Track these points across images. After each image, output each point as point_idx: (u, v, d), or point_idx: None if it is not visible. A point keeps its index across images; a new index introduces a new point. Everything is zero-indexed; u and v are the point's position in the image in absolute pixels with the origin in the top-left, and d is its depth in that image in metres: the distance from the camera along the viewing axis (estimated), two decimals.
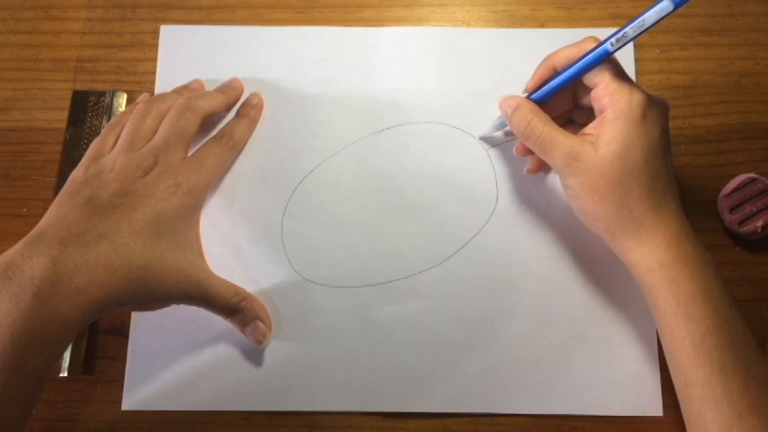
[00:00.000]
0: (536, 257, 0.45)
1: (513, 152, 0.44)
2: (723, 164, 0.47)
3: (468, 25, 0.50)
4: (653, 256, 0.37)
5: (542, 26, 0.50)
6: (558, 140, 0.38)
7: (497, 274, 0.45)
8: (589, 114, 0.40)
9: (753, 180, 0.45)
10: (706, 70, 0.49)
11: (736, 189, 0.45)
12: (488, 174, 0.47)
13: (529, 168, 0.45)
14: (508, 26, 0.50)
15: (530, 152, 0.43)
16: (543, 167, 0.45)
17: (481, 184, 0.46)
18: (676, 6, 0.35)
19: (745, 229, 0.44)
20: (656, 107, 0.38)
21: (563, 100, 0.42)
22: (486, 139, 0.47)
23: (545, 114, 0.40)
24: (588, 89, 0.39)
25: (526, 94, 0.41)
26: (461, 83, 0.48)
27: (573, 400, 0.43)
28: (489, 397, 0.43)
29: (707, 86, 0.49)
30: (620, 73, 0.38)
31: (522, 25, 0.50)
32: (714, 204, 0.46)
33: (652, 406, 0.42)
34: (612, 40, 0.37)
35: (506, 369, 0.43)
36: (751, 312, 0.44)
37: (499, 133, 0.46)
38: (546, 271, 0.45)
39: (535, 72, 0.41)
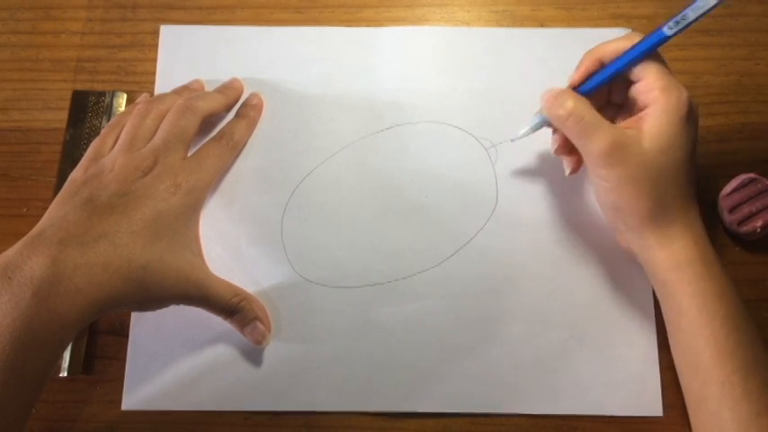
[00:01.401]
0: (536, 257, 0.45)
1: (552, 153, 0.42)
2: (723, 164, 0.47)
3: (469, 25, 0.50)
4: (683, 253, 0.37)
5: (542, 26, 0.50)
6: (602, 127, 0.37)
7: (497, 273, 0.45)
8: (616, 111, 0.40)
9: (753, 180, 0.45)
10: (706, 70, 0.49)
11: (736, 189, 0.45)
12: (488, 174, 0.47)
13: (571, 169, 0.43)
14: (508, 26, 0.50)
15: (568, 152, 0.42)
16: (579, 167, 0.43)
17: (481, 184, 0.46)
18: None
19: (745, 229, 0.44)
20: (695, 109, 0.38)
21: (596, 97, 0.41)
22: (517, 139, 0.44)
23: (588, 102, 0.39)
24: (625, 85, 0.39)
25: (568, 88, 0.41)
26: (461, 83, 0.48)
27: (573, 400, 0.43)
28: (489, 397, 0.43)
29: (707, 87, 0.49)
30: (667, 69, 0.38)
31: (522, 25, 0.50)
32: (714, 204, 0.46)
33: (652, 406, 0.42)
34: (671, 22, 0.36)
35: (506, 369, 0.43)
36: (751, 312, 0.43)
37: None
38: (546, 271, 0.45)
39: (579, 65, 0.40)
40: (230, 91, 0.47)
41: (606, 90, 0.41)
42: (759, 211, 0.44)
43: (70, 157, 0.47)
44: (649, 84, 0.37)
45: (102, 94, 0.48)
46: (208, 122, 0.46)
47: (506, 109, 0.48)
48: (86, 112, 0.48)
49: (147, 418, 0.43)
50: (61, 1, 0.51)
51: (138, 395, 0.43)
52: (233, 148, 0.45)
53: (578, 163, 0.43)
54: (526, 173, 0.46)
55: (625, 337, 0.44)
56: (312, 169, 0.47)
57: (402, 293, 0.44)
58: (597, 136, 0.37)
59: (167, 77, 0.49)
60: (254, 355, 0.43)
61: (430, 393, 0.43)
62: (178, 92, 0.46)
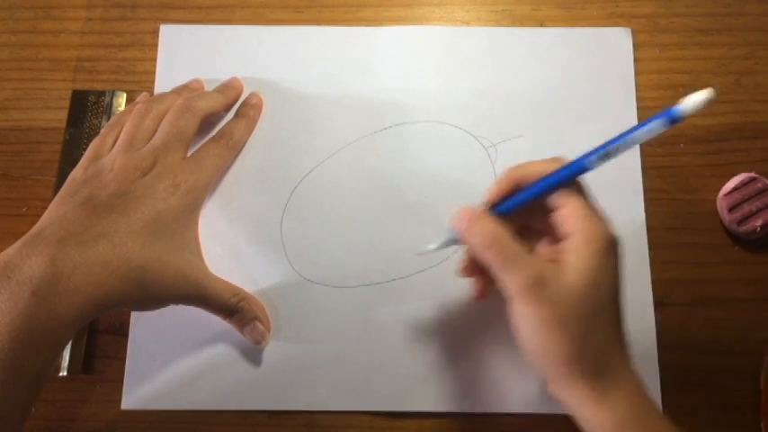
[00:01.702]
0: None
1: (457, 274, 0.40)
2: (723, 164, 0.47)
3: (468, 24, 0.50)
4: (622, 410, 0.32)
5: (542, 25, 0.50)
6: (524, 259, 0.33)
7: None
8: (537, 237, 0.37)
9: (752, 179, 0.45)
10: (705, 70, 0.49)
11: (736, 188, 0.45)
12: (488, 174, 0.47)
13: (475, 295, 0.41)
14: (508, 25, 0.50)
15: (476, 273, 0.40)
16: (487, 293, 0.41)
17: (481, 184, 0.46)
18: (672, 124, 0.31)
19: (745, 228, 0.44)
20: (617, 242, 0.34)
21: (515, 220, 0.36)
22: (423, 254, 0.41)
23: (508, 227, 0.35)
24: (544, 213, 0.35)
25: (484, 208, 0.37)
26: (461, 82, 0.48)
27: None
28: (489, 396, 0.43)
29: (706, 86, 0.48)
30: (590, 197, 0.35)
31: (522, 24, 0.50)
32: (714, 204, 0.46)
33: None
34: (594, 156, 0.33)
35: (506, 368, 0.43)
36: (751, 312, 0.44)
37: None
38: None
39: (496, 184, 0.37)
40: (230, 90, 0.47)
41: (527, 213, 0.37)
42: (759, 211, 0.44)
43: (70, 156, 0.47)
44: (569, 212, 0.34)
45: (101, 93, 0.48)
46: (207, 122, 0.46)
47: (506, 108, 0.48)
48: (86, 112, 0.48)
49: (146, 417, 0.43)
50: (61, 1, 0.51)
51: (137, 394, 0.43)
52: (232, 147, 0.45)
53: (487, 289, 0.40)
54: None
55: None
56: (312, 169, 0.46)
57: (402, 293, 0.44)
58: (518, 269, 0.33)
59: (167, 77, 0.49)
60: (253, 355, 0.43)
61: (430, 393, 0.43)
62: (178, 91, 0.46)
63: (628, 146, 0.33)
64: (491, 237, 0.34)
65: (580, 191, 0.35)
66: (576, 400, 0.33)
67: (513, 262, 0.33)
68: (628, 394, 0.33)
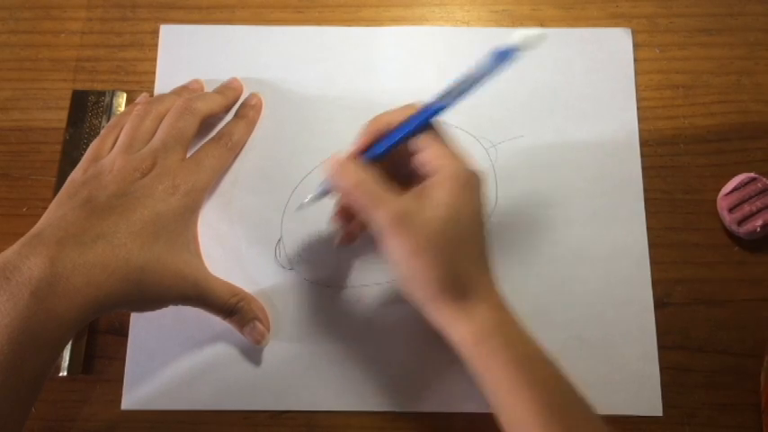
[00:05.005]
0: (536, 257, 0.45)
1: (331, 219, 0.43)
2: (723, 163, 0.47)
3: (468, 25, 0.50)
4: (488, 321, 0.36)
5: (542, 25, 0.50)
6: (386, 198, 0.36)
7: (496, 273, 0.44)
8: (401, 184, 0.39)
9: (752, 180, 0.45)
10: (706, 70, 0.49)
11: (736, 189, 0.45)
12: (488, 174, 0.47)
13: (341, 239, 0.44)
14: (508, 26, 0.50)
15: (347, 220, 0.43)
16: (354, 238, 0.44)
17: None
18: (504, 60, 0.35)
19: (745, 228, 0.44)
20: (477, 177, 0.37)
21: (393, 161, 0.40)
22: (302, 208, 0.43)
23: (373, 171, 0.38)
24: (408, 155, 0.38)
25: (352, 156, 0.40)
26: None
27: None
28: None
29: (707, 86, 0.49)
30: (447, 137, 0.38)
31: (522, 25, 0.50)
32: (714, 204, 0.46)
33: (652, 406, 0.42)
34: (439, 97, 0.36)
35: None
36: (751, 312, 0.44)
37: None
38: (546, 271, 0.45)
39: (361, 134, 0.39)
40: (229, 91, 0.47)
41: (395, 161, 0.39)
42: (759, 211, 0.44)
43: (70, 156, 0.47)
44: (429, 153, 0.37)
45: (101, 93, 0.48)
46: (207, 123, 0.46)
47: (506, 108, 0.48)
48: (86, 112, 0.48)
49: (146, 417, 0.43)
50: (61, 1, 0.51)
51: (137, 394, 0.43)
52: (232, 148, 0.45)
53: (351, 235, 0.43)
54: (526, 172, 0.46)
55: (625, 336, 0.43)
56: (311, 169, 0.46)
57: (402, 293, 0.44)
58: (381, 208, 0.36)
59: (167, 77, 0.49)
60: (253, 355, 0.43)
61: (430, 393, 0.43)
62: (177, 92, 0.46)
63: (469, 84, 0.36)
64: (355, 179, 0.37)
65: (438, 133, 0.38)
66: (445, 319, 0.36)
67: (379, 199, 0.36)
68: (488, 311, 0.36)
